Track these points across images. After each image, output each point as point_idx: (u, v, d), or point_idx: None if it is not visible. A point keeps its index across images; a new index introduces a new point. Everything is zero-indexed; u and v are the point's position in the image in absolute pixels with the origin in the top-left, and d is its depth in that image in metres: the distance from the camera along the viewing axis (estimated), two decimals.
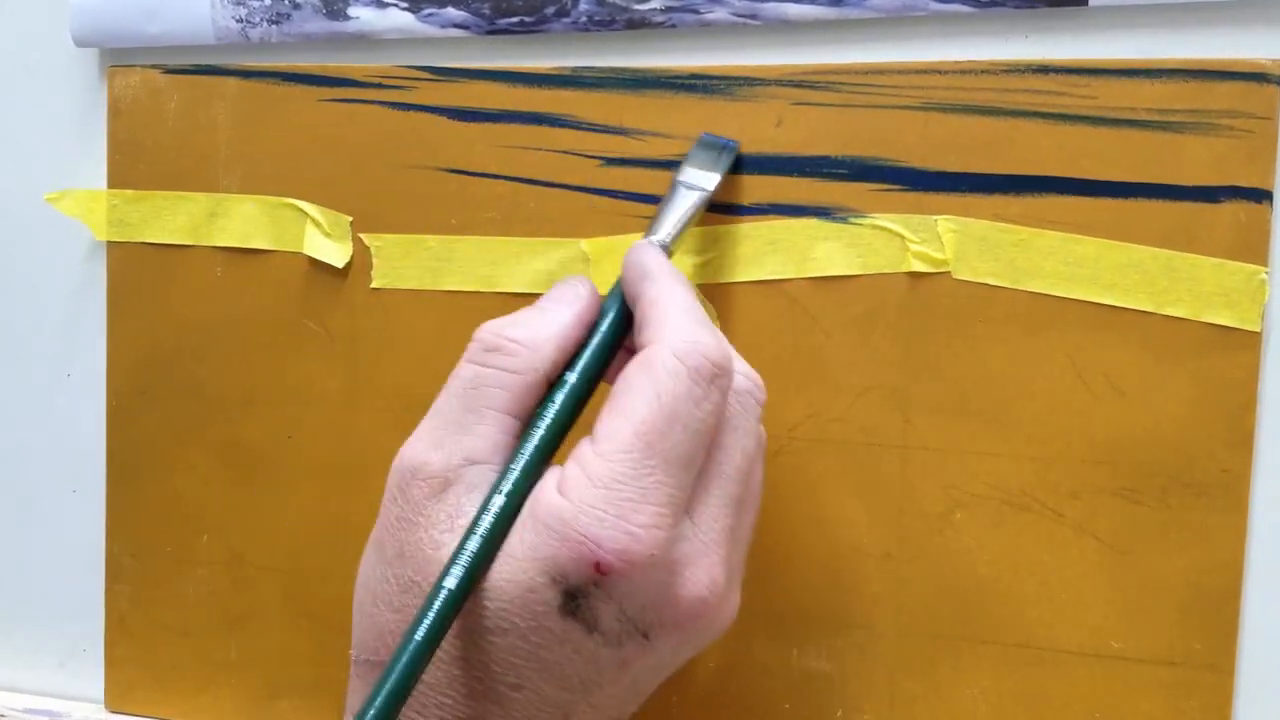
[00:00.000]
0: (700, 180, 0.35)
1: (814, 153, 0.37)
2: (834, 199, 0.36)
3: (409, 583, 0.29)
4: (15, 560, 0.46)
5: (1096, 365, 0.35)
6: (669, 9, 0.37)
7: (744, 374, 0.31)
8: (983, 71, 0.35)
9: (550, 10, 0.38)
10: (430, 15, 0.40)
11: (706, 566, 0.28)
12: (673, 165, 0.38)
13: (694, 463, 0.28)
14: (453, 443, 0.30)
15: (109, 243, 0.44)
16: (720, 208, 0.37)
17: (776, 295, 0.37)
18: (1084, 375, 0.35)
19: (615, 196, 0.38)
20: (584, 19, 0.38)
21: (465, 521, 0.28)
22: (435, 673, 0.28)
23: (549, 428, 0.30)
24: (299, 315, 0.42)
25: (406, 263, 0.40)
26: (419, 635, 0.27)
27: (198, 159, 0.42)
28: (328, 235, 0.41)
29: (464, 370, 0.31)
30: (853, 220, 0.36)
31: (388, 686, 0.26)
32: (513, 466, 0.29)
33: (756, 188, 0.37)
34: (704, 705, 0.38)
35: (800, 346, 0.37)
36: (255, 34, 0.41)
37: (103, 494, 0.45)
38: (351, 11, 0.40)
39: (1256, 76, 0.33)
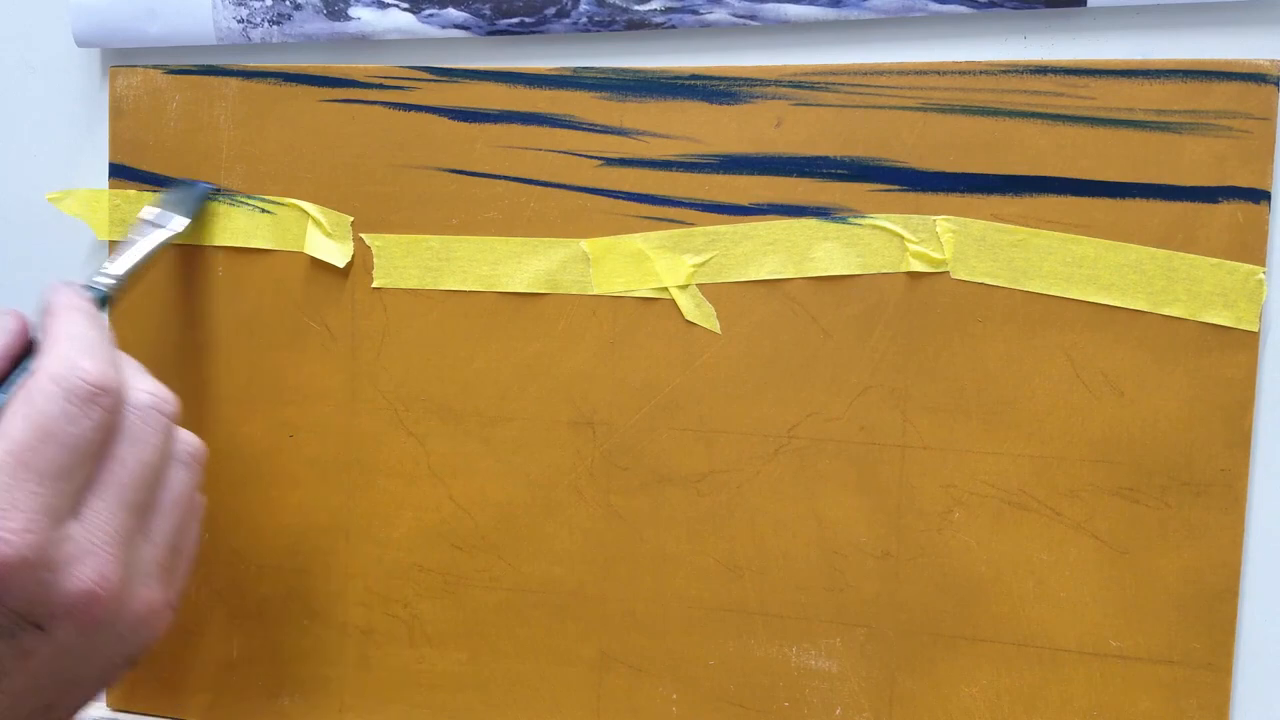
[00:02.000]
0: (168, 222, 0.39)
1: (814, 153, 0.37)
2: (833, 199, 0.37)
3: None
4: None
5: (1095, 365, 0.35)
6: (669, 10, 0.37)
7: (148, 391, 0.33)
8: (981, 72, 0.35)
9: (550, 11, 0.39)
10: (431, 16, 0.40)
11: (93, 563, 0.31)
12: (671, 166, 0.38)
13: (74, 473, 0.31)
14: None
15: (110, 243, 0.44)
16: (720, 208, 0.37)
17: (776, 295, 0.37)
18: (1082, 375, 0.35)
19: (615, 196, 0.38)
20: (584, 20, 0.38)
21: None
22: None
23: None
24: (300, 315, 0.42)
25: (407, 262, 0.41)
26: None
27: (199, 159, 0.42)
28: (329, 235, 0.41)
29: None
30: (852, 220, 0.37)
31: None
32: None
33: (756, 188, 0.37)
34: (704, 705, 0.38)
35: (800, 346, 0.37)
36: (256, 34, 0.41)
37: None
38: (352, 12, 0.40)
39: (1254, 77, 0.33)
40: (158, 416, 0.33)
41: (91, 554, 0.31)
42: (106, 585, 0.31)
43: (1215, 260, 0.34)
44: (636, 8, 0.38)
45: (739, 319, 0.38)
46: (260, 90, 0.42)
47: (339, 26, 0.41)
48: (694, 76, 0.38)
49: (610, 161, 0.39)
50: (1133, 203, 0.34)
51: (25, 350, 0.34)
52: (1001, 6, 0.35)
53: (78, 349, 0.32)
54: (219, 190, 0.40)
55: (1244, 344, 0.34)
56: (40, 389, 0.31)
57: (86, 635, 0.31)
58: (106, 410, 0.31)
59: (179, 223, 0.39)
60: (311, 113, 0.41)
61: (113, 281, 0.38)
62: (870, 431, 0.37)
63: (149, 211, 0.39)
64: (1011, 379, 0.35)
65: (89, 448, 0.31)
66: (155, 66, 0.43)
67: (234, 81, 0.42)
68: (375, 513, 0.41)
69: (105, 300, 0.37)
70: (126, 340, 0.44)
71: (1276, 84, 0.33)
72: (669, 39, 0.38)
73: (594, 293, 0.39)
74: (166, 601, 0.34)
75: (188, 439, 0.35)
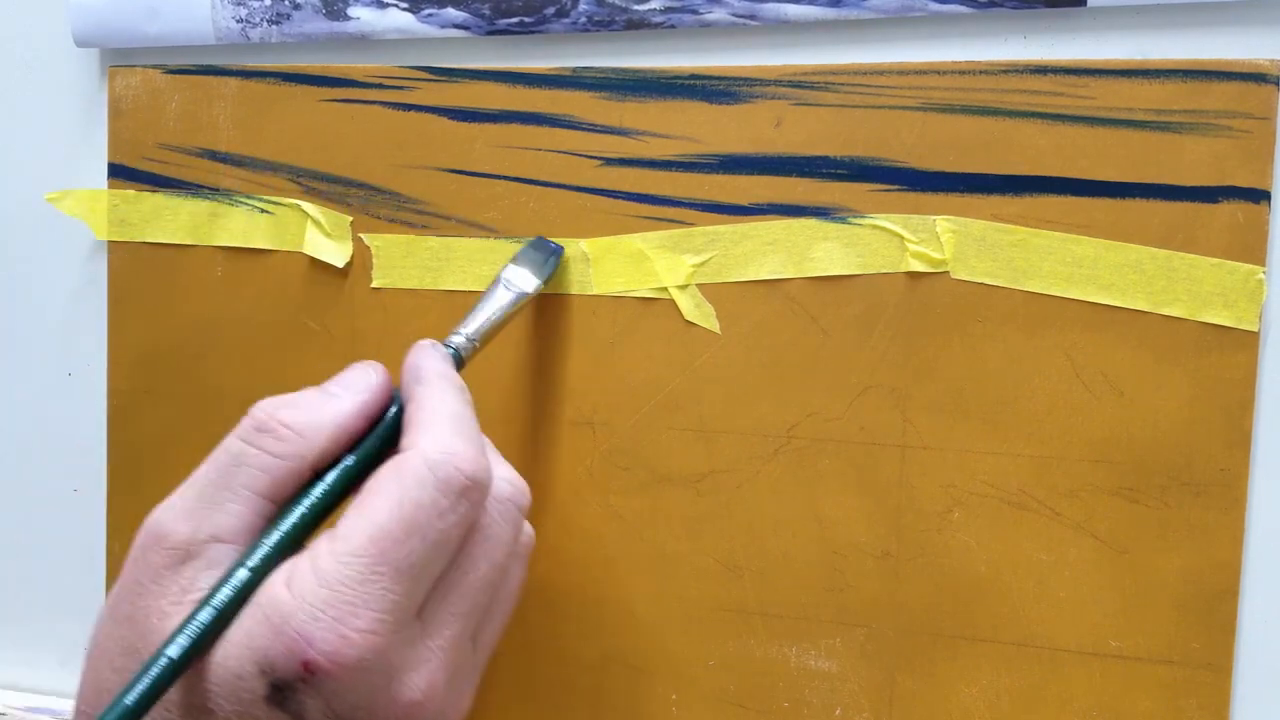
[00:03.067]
0: (521, 281, 0.37)
1: (813, 153, 0.37)
2: (833, 199, 0.37)
3: (130, 647, 0.29)
4: (16, 560, 0.47)
5: (1095, 365, 0.35)
6: (668, 10, 0.37)
7: (508, 480, 0.31)
8: (981, 72, 0.35)
9: (550, 11, 0.39)
10: (430, 16, 0.40)
11: (426, 672, 0.28)
12: (671, 166, 0.38)
13: (429, 572, 0.28)
14: (202, 517, 0.29)
15: (110, 242, 0.44)
16: (720, 207, 0.37)
17: (776, 295, 0.37)
18: (1082, 375, 0.35)
19: (615, 196, 0.38)
20: (584, 19, 0.38)
21: (196, 597, 0.28)
22: None
23: (301, 517, 0.29)
24: (299, 315, 0.42)
25: (407, 263, 0.41)
26: (128, 699, 0.26)
27: (198, 159, 0.42)
28: (328, 235, 0.41)
29: (231, 445, 0.30)
30: (852, 220, 0.36)
31: None
32: (254, 551, 0.29)
33: (756, 188, 0.37)
34: (704, 704, 0.38)
35: (800, 346, 0.37)
36: (255, 34, 0.41)
37: (103, 493, 0.45)
38: (351, 12, 0.40)
39: (1254, 77, 0.33)
40: (515, 512, 0.31)
41: (427, 661, 0.28)
42: (434, 697, 0.29)
43: (1215, 260, 0.34)
44: (636, 7, 0.38)
45: (739, 319, 0.38)
46: (259, 90, 0.42)
47: (338, 26, 0.40)
48: (694, 76, 0.38)
49: (610, 161, 0.38)
50: (1133, 203, 0.34)
51: (384, 409, 0.31)
52: (1001, 6, 0.35)
53: (453, 431, 0.29)
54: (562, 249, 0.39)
55: (1244, 344, 0.34)
56: (413, 473, 0.28)
57: None
58: (475, 506, 0.29)
59: (531, 283, 0.37)
60: (311, 113, 0.41)
61: (464, 342, 0.35)
62: (870, 431, 0.37)
63: (508, 270, 0.37)
64: (1011, 379, 0.35)
65: (451, 545, 0.29)
66: (154, 66, 0.43)
67: (233, 81, 0.42)
68: None
69: (459, 363, 0.34)
70: (126, 340, 0.44)
71: (1276, 84, 0.33)
72: (669, 39, 0.38)
73: (594, 293, 0.39)
74: (469, 703, 0.31)
75: (529, 532, 0.33)
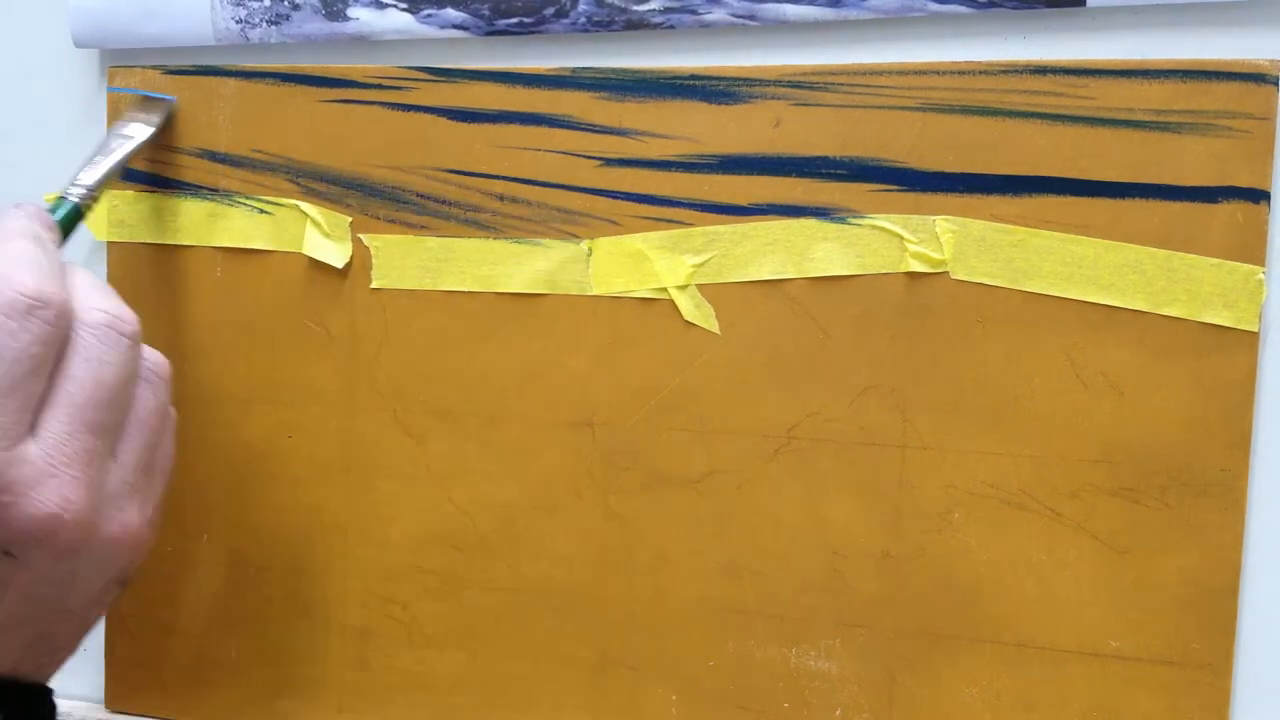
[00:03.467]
0: (134, 131, 0.39)
1: (813, 153, 0.37)
2: (833, 199, 0.37)
3: None
4: None
5: (1095, 365, 0.35)
6: (668, 10, 0.37)
7: (100, 308, 0.32)
8: (981, 72, 0.35)
9: (549, 11, 0.39)
10: (429, 16, 0.40)
11: (56, 486, 0.30)
12: (670, 166, 0.38)
13: (20, 390, 0.30)
14: None
15: (109, 243, 0.44)
16: (720, 208, 0.37)
17: (776, 295, 0.37)
18: (1082, 375, 0.35)
19: (615, 197, 0.38)
20: (583, 20, 0.38)
21: None
22: None
23: None
24: (299, 315, 0.42)
25: (406, 263, 0.41)
26: None
27: (198, 159, 0.42)
28: (327, 236, 0.41)
29: None
30: (851, 220, 0.36)
31: None
32: None
33: (756, 188, 0.37)
34: (704, 705, 0.38)
35: (799, 346, 0.37)
36: (255, 35, 0.41)
37: None
38: (351, 12, 0.40)
39: (1254, 77, 0.33)
40: (114, 335, 0.32)
41: (52, 475, 0.30)
42: (71, 508, 0.30)
43: (1215, 260, 0.34)
44: (635, 8, 0.38)
45: (739, 319, 0.38)
46: (259, 91, 0.42)
47: (337, 27, 0.40)
48: (693, 76, 0.38)
49: (610, 161, 0.38)
50: (1133, 203, 0.34)
51: None
52: (1001, 6, 0.35)
53: (14, 265, 0.31)
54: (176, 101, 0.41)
55: (1244, 344, 0.34)
56: None
57: (61, 560, 0.31)
58: (48, 324, 0.30)
59: (144, 131, 0.39)
60: (310, 113, 0.41)
61: (84, 191, 0.37)
62: (870, 431, 0.37)
63: (119, 124, 0.39)
64: (1011, 379, 0.35)
65: (33, 363, 0.30)
66: (154, 67, 0.43)
67: (232, 82, 0.42)
68: (374, 514, 0.41)
69: (79, 211, 0.37)
70: None
71: (1276, 84, 0.33)
72: (668, 39, 0.38)
73: (593, 293, 0.39)
74: (144, 522, 0.33)
75: (153, 357, 0.34)
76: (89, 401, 0.31)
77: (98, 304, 0.32)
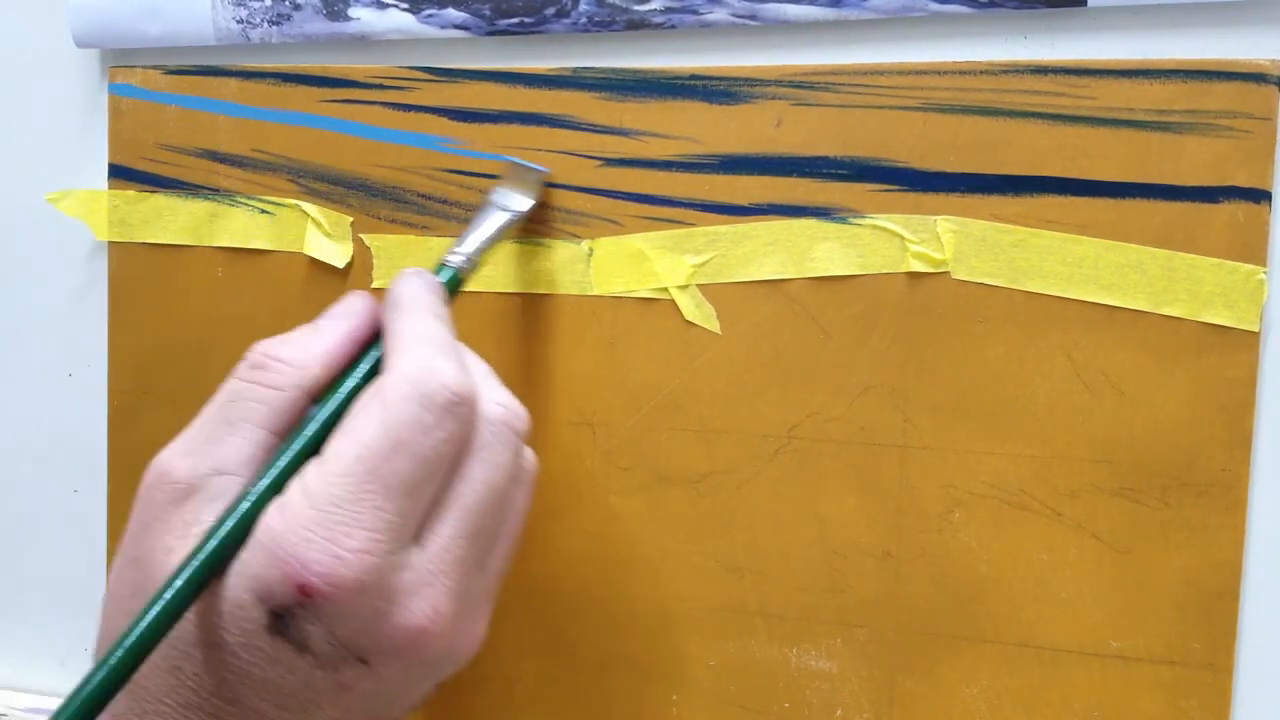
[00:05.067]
0: (513, 202, 0.37)
1: (814, 153, 0.37)
2: (833, 199, 0.37)
3: (139, 588, 0.29)
4: (16, 560, 0.47)
5: (1095, 365, 0.35)
6: (669, 10, 0.37)
7: (501, 403, 0.30)
8: (981, 72, 0.35)
9: (550, 11, 0.39)
10: (430, 16, 0.40)
11: (430, 596, 0.28)
12: (671, 166, 0.38)
13: (421, 490, 0.28)
14: (204, 453, 0.29)
15: (110, 243, 0.44)
16: (721, 208, 0.37)
17: (776, 295, 0.37)
18: (1083, 375, 0.35)
19: (615, 197, 0.38)
20: (584, 20, 0.38)
21: (200, 530, 0.28)
22: (155, 679, 0.28)
23: (300, 443, 0.29)
24: (300, 316, 0.42)
25: (407, 263, 0.41)
26: (131, 638, 0.26)
27: (198, 159, 0.42)
28: (328, 236, 0.41)
29: (229, 385, 0.31)
30: (852, 220, 0.36)
31: (97, 678, 0.26)
32: (256, 480, 0.28)
33: (756, 188, 0.37)
34: (704, 705, 0.38)
35: (800, 346, 0.37)
36: (256, 35, 0.41)
37: (104, 494, 0.45)
38: (352, 13, 0.40)
39: (1255, 77, 0.33)
40: (510, 434, 0.30)
41: (429, 585, 0.28)
42: (440, 622, 0.28)
43: (1216, 260, 0.34)
44: (636, 8, 0.38)
45: (739, 319, 0.38)
46: (260, 91, 0.42)
47: (338, 27, 0.40)
48: (694, 76, 0.38)
49: (610, 161, 0.38)
50: (1133, 203, 0.34)
51: (372, 340, 0.32)
52: (1001, 6, 0.35)
53: (434, 352, 0.29)
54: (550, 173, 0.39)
55: (1245, 344, 0.34)
56: (395, 390, 0.28)
57: (409, 671, 0.29)
58: (462, 422, 0.29)
59: (523, 202, 0.37)
60: (311, 113, 0.41)
61: (463, 261, 0.35)
62: (870, 431, 0.37)
63: (496, 193, 0.37)
64: (1012, 379, 0.35)
65: (441, 463, 0.28)
66: (154, 67, 0.43)
67: (233, 82, 0.42)
68: None
69: (457, 283, 0.34)
70: (126, 340, 0.44)
71: (1276, 84, 0.33)
72: (669, 39, 0.38)
73: (594, 293, 0.39)
74: (484, 633, 0.31)
75: (530, 458, 0.32)
76: (478, 508, 0.29)
77: (498, 399, 0.30)
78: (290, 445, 0.29)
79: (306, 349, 0.31)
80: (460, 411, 0.29)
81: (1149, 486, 0.34)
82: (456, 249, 0.35)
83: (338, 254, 0.41)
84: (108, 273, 0.44)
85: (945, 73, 0.35)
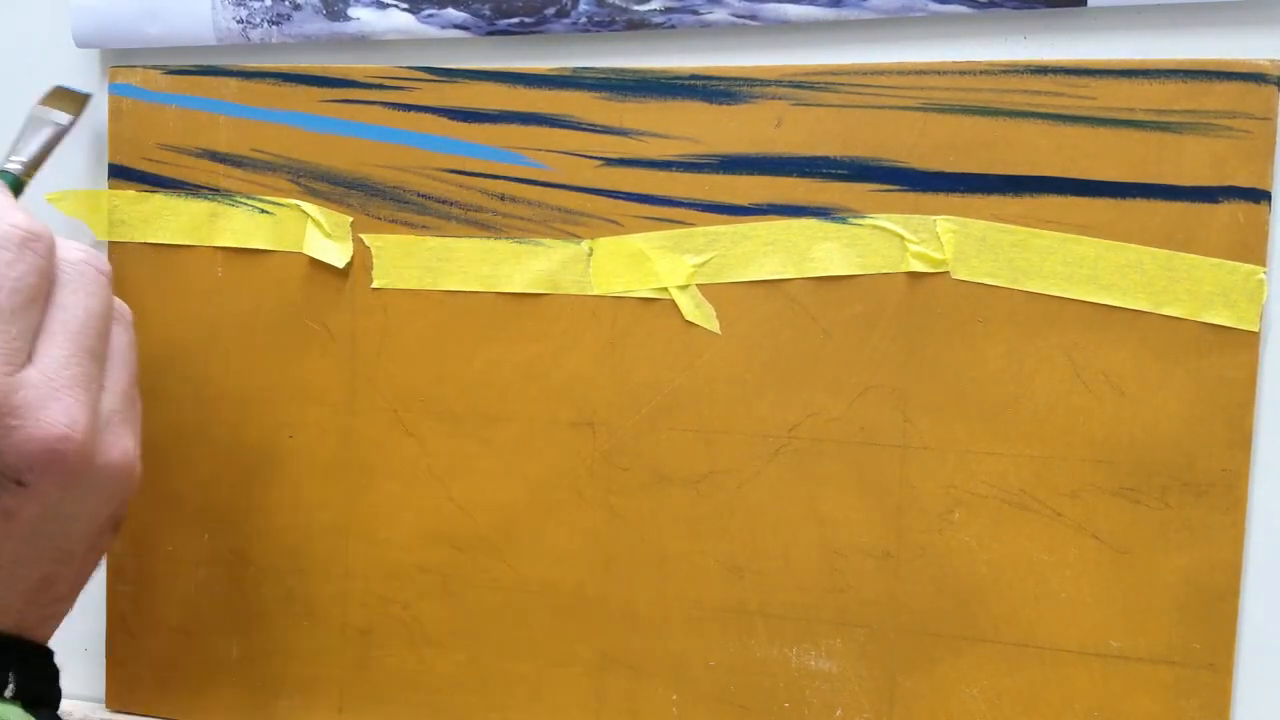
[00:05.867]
0: (55, 118, 0.41)
1: (813, 153, 0.37)
2: (833, 199, 0.37)
3: None
4: None
5: (1095, 365, 0.35)
6: (669, 10, 0.37)
7: (78, 248, 0.33)
8: (981, 72, 0.35)
9: (550, 11, 0.39)
10: (430, 16, 0.40)
11: (60, 407, 0.30)
12: (671, 166, 0.38)
13: (18, 317, 0.31)
14: None
15: (110, 243, 0.44)
16: (721, 208, 0.37)
17: (776, 295, 0.37)
18: (1083, 375, 0.35)
19: (615, 197, 0.38)
20: (584, 20, 0.38)
21: None
22: None
23: None
24: (299, 315, 0.42)
25: (407, 263, 0.41)
26: None
27: (198, 159, 0.42)
28: (328, 235, 0.41)
29: None
30: (852, 220, 0.36)
31: None
32: None
33: (756, 188, 0.37)
34: (704, 705, 0.38)
35: (800, 346, 0.37)
36: (256, 35, 0.41)
37: None
38: (352, 12, 0.40)
39: (1255, 77, 0.33)
40: (94, 271, 0.33)
41: (57, 398, 0.31)
42: (77, 428, 0.31)
43: (1216, 260, 0.34)
44: (636, 8, 0.38)
45: (739, 319, 0.38)
46: (260, 91, 0.42)
47: (338, 27, 0.40)
48: (694, 76, 0.38)
49: (610, 162, 0.38)
50: (1133, 203, 0.34)
51: None
52: (1001, 6, 0.35)
53: (2, 206, 0.32)
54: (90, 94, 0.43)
55: (1245, 344, 0.34)
56: None
57: (66, 487, 0.31)
58: (42, 256, 0.31)
59: (66, 119, 0.41)
60: (311, 113, 0.41)
61: (20, 167, 0.39)
62: (870, 431, 0.37)
63: (39, 110, 0.41)
64: (1012, 379, 0.35)
65: (30, 291, 0.31)
66: (155, 67, 0.43)
67: (233, 82, 0.42)
68: (375, 513, 0.41)
69: (18, 185, 0.39)
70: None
71: (1276, 84, 0.33)
72: (669, 39, 0.38)
73: (594, 293, 0.39)
74: (136, 451, 0.34)
75: (122, 304, 0.35)
76: (81, 329, 0.32)
77: (75, 245, 0.33)
78: None
79: None
80: (37, 246, 0.31)
81: (1149, 486, 0.34)
82: (13, 157, 0.40)
83: (338, 254, 0.41)
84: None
85: (945, 73, 0.35)
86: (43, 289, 0.32)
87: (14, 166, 0.40)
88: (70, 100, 0.42)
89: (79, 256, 0.33)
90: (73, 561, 0.33)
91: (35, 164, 0.40)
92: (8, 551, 0.31)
